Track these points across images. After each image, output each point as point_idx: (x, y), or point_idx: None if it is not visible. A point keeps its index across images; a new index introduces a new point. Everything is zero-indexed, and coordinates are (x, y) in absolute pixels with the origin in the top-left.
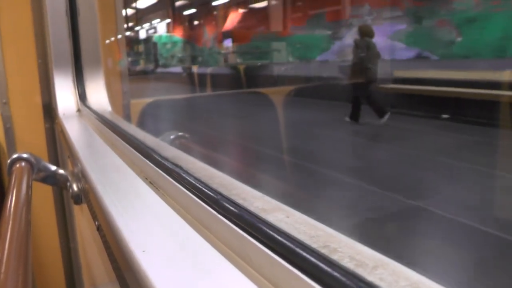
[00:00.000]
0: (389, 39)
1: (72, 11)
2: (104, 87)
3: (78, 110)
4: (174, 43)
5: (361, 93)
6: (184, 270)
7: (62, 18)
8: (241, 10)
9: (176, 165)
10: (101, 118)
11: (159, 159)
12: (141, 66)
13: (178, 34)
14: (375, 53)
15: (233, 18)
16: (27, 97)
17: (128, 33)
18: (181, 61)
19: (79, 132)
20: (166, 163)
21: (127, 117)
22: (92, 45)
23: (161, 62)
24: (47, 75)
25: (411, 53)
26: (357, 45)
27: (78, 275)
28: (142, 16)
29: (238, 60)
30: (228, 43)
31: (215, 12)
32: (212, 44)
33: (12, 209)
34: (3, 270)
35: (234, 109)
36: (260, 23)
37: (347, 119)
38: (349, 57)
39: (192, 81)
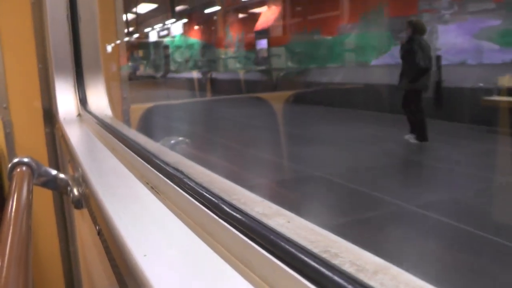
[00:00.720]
0: (474, 38)
1: (73, 16)
2: (104, 92)
3: (79, 115)
4: (190, 46)
5: (417, 105)
6: (185, 275)
7: (62, 23)
8: (277, 7)
9: (177, 170)
10: (102, 123)
11: (160, 163)
12: (149, 71)
13: (194, 36)
14: (428, 54)
15: (268, 16)
16: (27, 102)
17: (136, 36)
18: (197, 66)
19: (79, 137)
20: (167, 168)
21: (127, 122)
22: (92, 50)
23: (173, 67)
24: (48, 80)
25: (507, 55)
26: (411, 47)
27: (77, 280)
28: (152, 16)
29: (273, 64)
30: (261, 44)
31: (240, 11)
32: (237, 47)
33: (13, 213)
34: (3, 275)
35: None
36: (301, 21)
37: (412, 139)
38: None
39: (212, 88)
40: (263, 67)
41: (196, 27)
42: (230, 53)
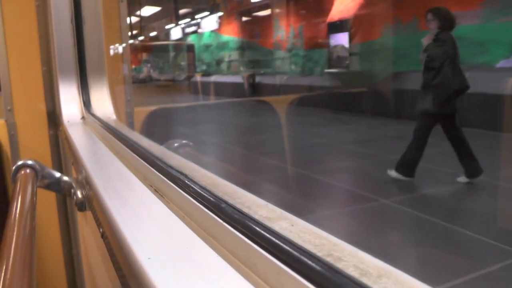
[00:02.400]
0: None
1: (77, 19)
2: (108, 95)
3: (83, 118)
4: (223, 45)
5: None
6: (189, 278)
7: (67, 26)
8: None
9: (181, 173)
10: (106, 126)
11: (164, 166)
12: (168, 74)
13: (229, 33)
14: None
15: (347, 3)
16: (31, 105)
17: (153, 34)
18: (232, 67)
19: (83, 139)
20: (170, 171)
21: (131, 125)
22: (96, 53)
23: (201, 69)
24: (52, 82)
25: None
26: (440, 49)
27: (80, 283)
28: (175, 10)
29: (358, 66)
30: (338, 40)
31: None
32: (292, 44)
33: (17, 215)
34: (8, 276)
35: None
36: (394, 9)
37: (464, 179)
38: None
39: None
40: (341, 69)
41: (231, 22)
42: (281, 52)
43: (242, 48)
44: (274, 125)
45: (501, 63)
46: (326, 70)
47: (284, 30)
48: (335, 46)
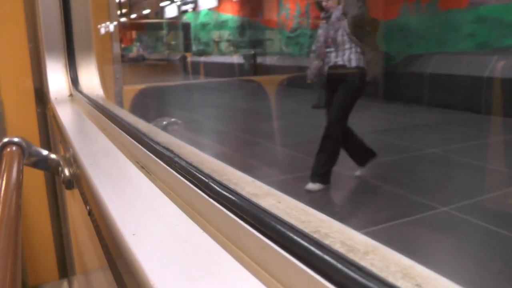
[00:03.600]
0: None
1: None
2: (96, 72)
3: (71, 95)
4: (222, 24)
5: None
6: (174, 253)
7: (53, 1)
8: None
9: (168, 149)
10: (94, 103)
11: (151, 143)
12: (161, 54)
13: (228, 11)
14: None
15: None
16: (18, 82)
17: (147, 11)
18: (232, 47)
19: (71, 117)
20: (157, 147)
21: (119, 103)
22: (84, 30)
23: (197, 48)
24: (39, 59)
25: None
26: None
27: (70, 261)
28: None
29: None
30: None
31: None
32: (298, 24)
33: (2, 193)
34: None
35: None
36: None
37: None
38: None
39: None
40: None
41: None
42: (285, 32)
43: (243, 27)
44: (281, 110)
45: None
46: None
47: (290, 9)
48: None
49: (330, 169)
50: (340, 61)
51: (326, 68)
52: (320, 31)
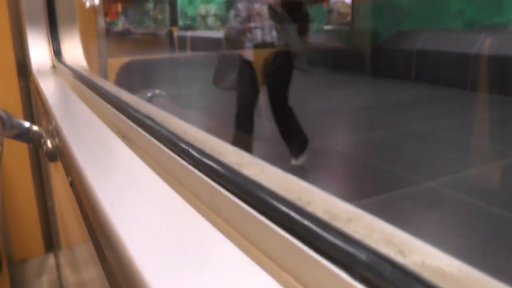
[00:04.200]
0: None
1: None
2: (80, 44)
3: (53, 67)
4: None
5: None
6: (152, 222)
7: None
8: None
9: (149, 118)
10: (77, 75)
11: (132, 112)
12: (147, 28)
13: None
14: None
15: None
16: None
17: None
18: (220, 21)
19: (54, 89)
20: (138, 116)
21: (104, 76)
22: (66, 0)
23: (184, 23)
24: (20, 30)
25: None
26: None
27: (55, 235)
28: None
29: (361, 23)
30: None
31: None
32: None
33: None
34: None
35: None
36: None
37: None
38: None
39: None
40: (342, 27)
41: None
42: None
43: (230, 1)
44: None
45: None
46: (325, 27)
47: None
48: (336, 2)
49: (302, 139)
50: (268, 39)
51: (251, 46)
52: (241, 5)
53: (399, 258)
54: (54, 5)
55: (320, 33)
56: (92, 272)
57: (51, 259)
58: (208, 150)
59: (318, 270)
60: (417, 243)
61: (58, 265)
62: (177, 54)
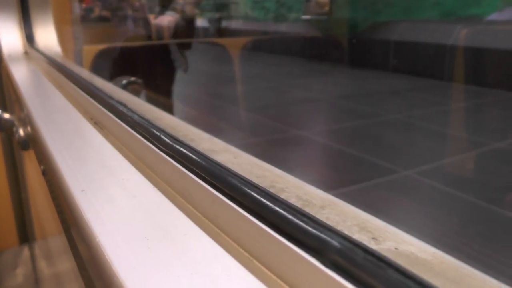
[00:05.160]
0: None
1: None
2: (54, 30)
3: (26, 53)
4: None
5: None
6: (122, 209)
7: None
8: None
9: (121, 104)
10: (50, 60)
11: (104, 98)
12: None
13: None
14: None
15: None
16: None
17: None
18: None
19: (26, 75)
20: (110, 101)
21: (79, 64)
22: None
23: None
24: None
25: None
26: None
27: (30, 226)
28: None
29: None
30: None
31: None
32: None
33: None
34: None
35: None
36: None
37: None
38: None
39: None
40: (320, 16)
41: None
42: None
43: None
44: (247, 74)
45: (493, 16)
46: (303, 17)
47: None
48: None
49: None
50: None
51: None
52: None
53: (372, 245)
54: None
55: (298, 22)
56: (66, 264)
57: (25, 251)
58: (181, 136)
59: (288, 257)
60: (391, 230)
61: (33, 257)
62: (154, 42)
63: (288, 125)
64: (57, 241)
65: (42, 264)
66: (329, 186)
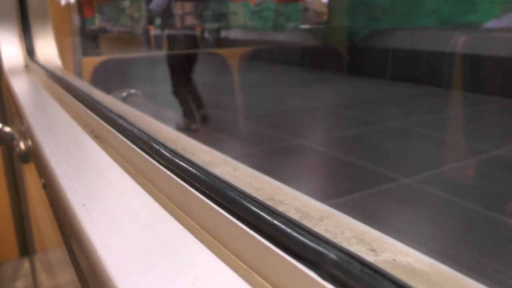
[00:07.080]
0: None
1: None
2: (54, 43)
3: (26, 66)
4: None
5: None
6: (123, 223)
7: None
8: None
9: (120, 117)
10: (50, 74)
11: (104, 111)
12: (125, 27)
13: None
14: None
15: None
16: None
17: None
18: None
19: (26, 88)
20: (110, 115)
21: (78, 75)
22: None
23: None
24: None
25: None
26: None
27: (30, 239)
28: None
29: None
30: None
31: None
32: None
33: None
34: None
35: None
36: None
37: None
38: None
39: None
40: (318, 26)
41: None
42: (250, 5)
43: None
44: (247, 84)
45: (491, 23)
46: (302, 26)
47: None
48: (312, 1)
49: None
50: None
51: None
52: None
53: (370, 256)
54: (26, 2)
55: (296, 32)
56: (67, 277)
57: (26, 263)
58: (180, 149)
59: (287, 270)
60: (389, 241)
61: (33, 270)
62: (154, 53)
63: (287, 134)
64: (57, 254)
65: (42, 277)
66: (328, 195)
